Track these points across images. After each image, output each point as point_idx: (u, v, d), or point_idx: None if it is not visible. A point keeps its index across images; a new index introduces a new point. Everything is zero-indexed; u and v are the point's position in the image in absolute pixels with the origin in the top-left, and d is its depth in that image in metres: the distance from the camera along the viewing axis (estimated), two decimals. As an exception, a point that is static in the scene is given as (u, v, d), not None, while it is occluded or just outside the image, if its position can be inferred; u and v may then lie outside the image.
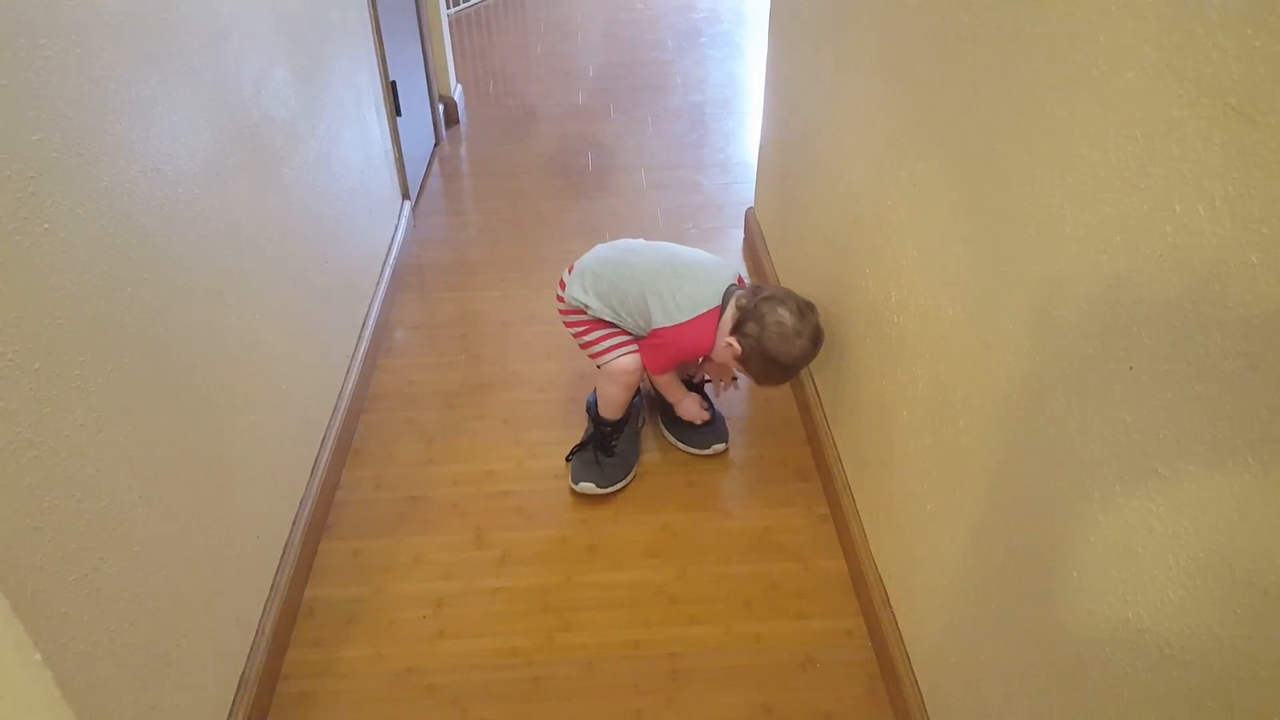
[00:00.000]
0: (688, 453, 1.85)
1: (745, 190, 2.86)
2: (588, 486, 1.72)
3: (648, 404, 1.94)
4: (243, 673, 1.31)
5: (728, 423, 1.88)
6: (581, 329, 1.73)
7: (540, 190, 2.96)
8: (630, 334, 1.71)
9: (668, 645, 1.47)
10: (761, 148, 2.41)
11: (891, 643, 1.38)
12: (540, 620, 1.51)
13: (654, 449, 1.87)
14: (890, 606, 1.42)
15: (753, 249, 2.49)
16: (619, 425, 1.78)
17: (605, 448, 1.77)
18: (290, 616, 1.48)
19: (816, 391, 1.87)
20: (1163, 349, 0.70)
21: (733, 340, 1.57)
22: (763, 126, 2.39)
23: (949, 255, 1.13)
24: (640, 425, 1.90)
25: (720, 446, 1.83)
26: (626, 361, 1.69)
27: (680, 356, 1.69)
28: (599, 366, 1.73)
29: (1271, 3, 0.57)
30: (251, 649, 1.35)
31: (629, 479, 1.78)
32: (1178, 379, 0.69)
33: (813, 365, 1.91)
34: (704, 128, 3.36)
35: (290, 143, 1.64)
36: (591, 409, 1.81)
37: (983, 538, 1.07)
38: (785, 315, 1.53)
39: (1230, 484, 0.64)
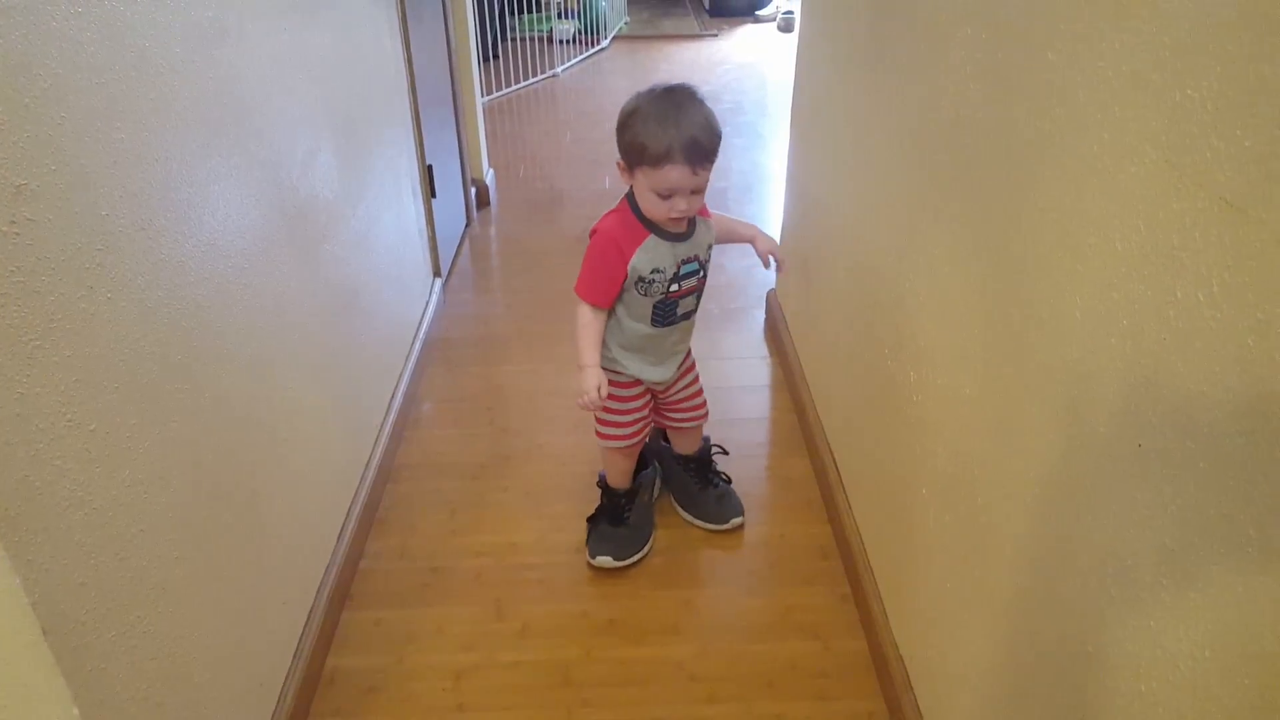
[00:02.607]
0: (704, 529, 1.85)
1: (767, 273, 2.91)
2: (605, 560, 1.73)
3: (663, 479, 1.96)
4: (264, 739, 1.32)
5: (746, 499, 1.90)
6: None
7: (566, 270, 3.01)
8: (628, 415, 1.70)
9: (687, 724, 1.46)
10: (783, 232, 2.48)
11: (913, 725, 1.37)
12: (560, 695, 1.51)
13: (675, 524, 1.88)
14: (911, 688, 1.41)
15: (774, 330, 2.54)
16: (630, 495, 1.80)
17: (617, 518, 1.78)
18: (312, 685, 1.49)
19: (837, 470, 1.89)
20: (1169, 428, 0.73)
21: (620, 164, 1.47)
22: (784, 212, 2.46)
23: (966, 336, 1.17)
24: (654, 497, 1.91)
25: (738, 520, 1.84)
26: (611, 442, 1.73)
27: (600, 248, 1.52)
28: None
29: (1260, 106, 0.62)
30: (274, 716, 1.36)
31: (645, 551, 1.79)
32: (1184, 456, 0.71)
33: (834, 443, 1.94)
34: (727, 213, 3.43)
35: (333, 222, 1.72)
36: (602, 480, 1.83)
37: (1001, 615, 1.08)
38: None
39: (1235, 557, 0.66)
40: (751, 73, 5.54)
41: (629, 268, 1.50)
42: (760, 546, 1.83)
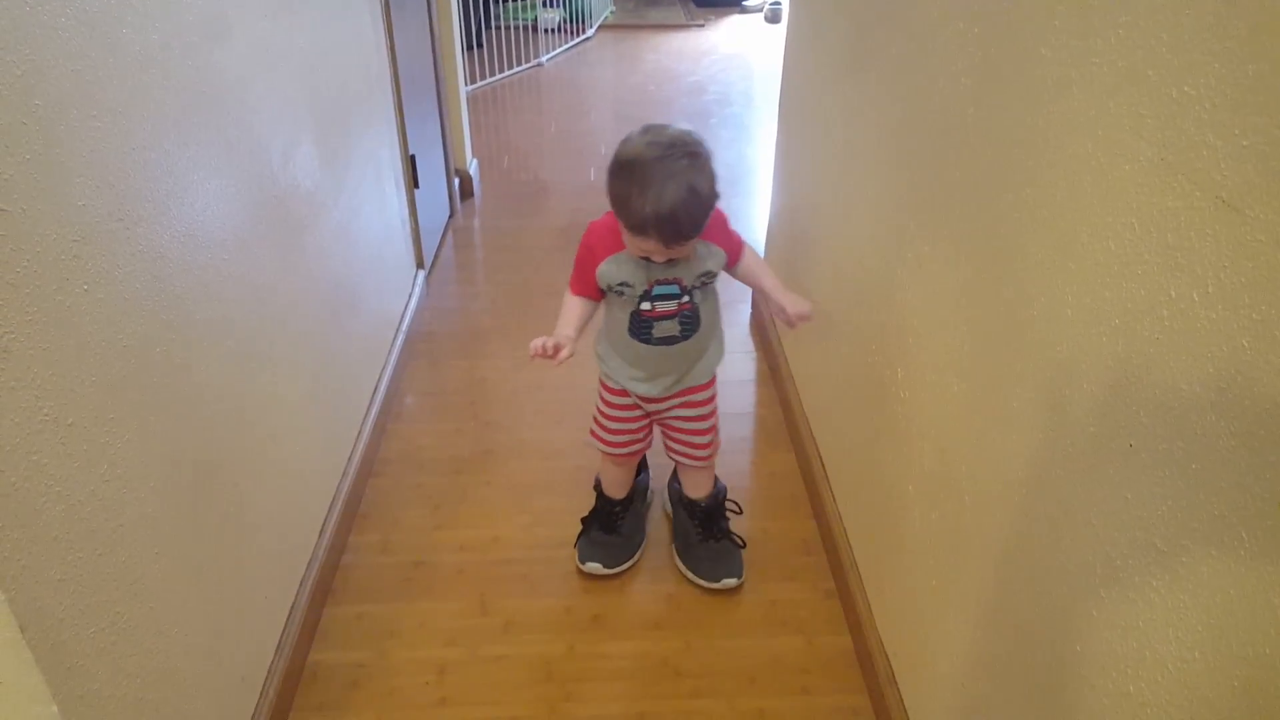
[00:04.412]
0: (696, 584, 1.71)
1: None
2: (595, 567, 1.71)
3: (673, 537, 1.83)
4: (246, 735, 1.31)
5: (730, 493, 1.88)
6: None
7: (550, 263, 3.02)
8: (622, 425, 1.65)
9: (671, 718, 1.45)
10: (769, 226, 2.48)
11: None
12: (543, 690, 1.50)
13: (659, 519, 1.88)
14: (896, 684, 1.42)
15: (760, 324, 2.54)
16: (624, 504, 1.76)
17: (609, 526, 1.75)
18: (294, 680, 1.48)
19: (822, 465, 1.89)
20: (1161, 428, 0.73)
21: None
22: (770, 206, 2.46)
23: (953, 334, 1.16)
24: (647, 505, 1.87)
25: (730, 582, 1.69)
26: (601, 445, 1.68)
27: (584, 246, 1.49)
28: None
29: (1258, 104, 0.61)
30: (255, 711, 1.34)
31: (635, 559, 1.76)
32: (1175, 457, 0.71)
33: (819, 438, 1.94)
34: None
35: (314, 213, 1.70)
36: (597, 484, 1.79)
37: (987, 613, 1.08)
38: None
39: (1226, 558, 0.66)
40: (738, 63, 5.53)
41: (597, 273, 1.46)
42: (744, 541, 1.82)
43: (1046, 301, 0.91)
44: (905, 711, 1.37)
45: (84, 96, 0.93)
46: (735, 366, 2.43)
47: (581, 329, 1.51)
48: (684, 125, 1.34)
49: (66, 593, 0.88)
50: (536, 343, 1.39)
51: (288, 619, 1.50)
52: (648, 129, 1.33)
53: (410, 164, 2.58)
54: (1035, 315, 0.94)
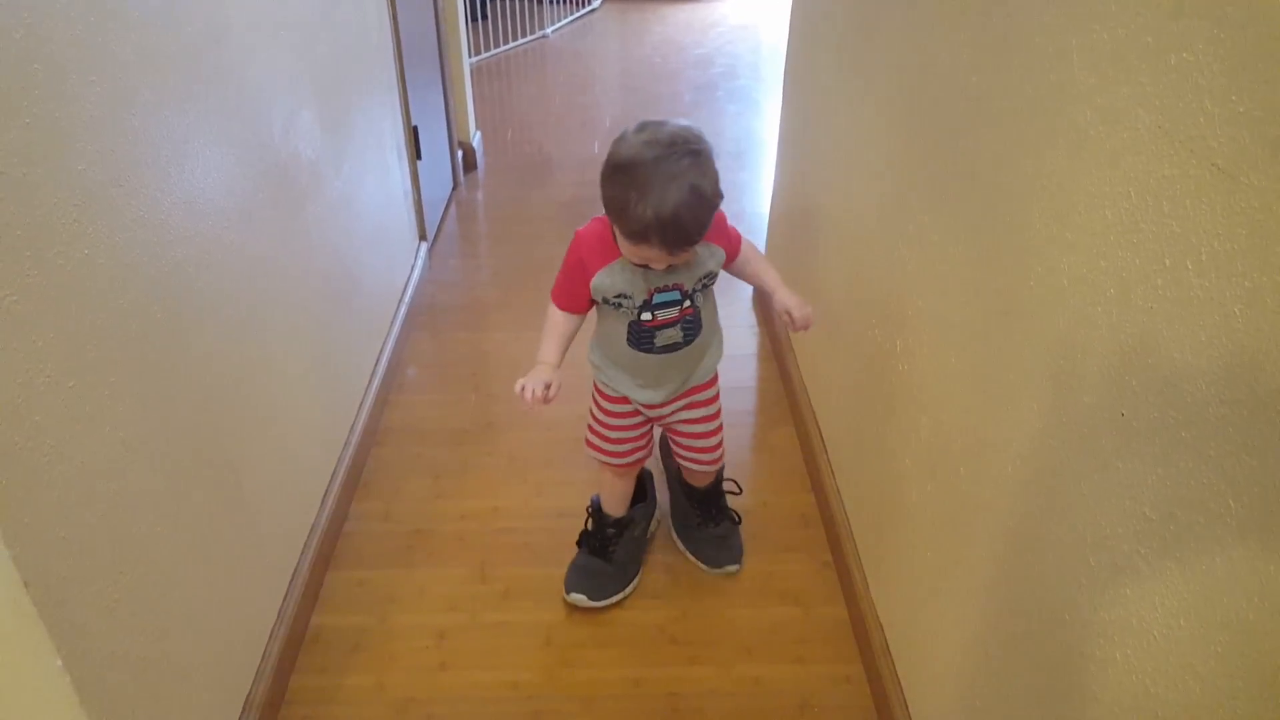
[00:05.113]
0: (698, 568, 1.69)
1: (757, 240, 2.90)
2: (579, 598, 1.59)
3: (670, 502, 1.80)
4: (249, 695, 1.33)
5: (731, 468, 1.88)
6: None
7: (554, 236, 3.01)
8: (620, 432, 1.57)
9: (667, 685, 1.47)
10: (774, 200, 2.47)
11: (890, 689, 1.39)
12: (541, 655, 1.52)
13: (659, 490, 1.89)
14: (890, 654, 1.43)
15: (763, 300, 2.54)
16: (619, 526, 1.65)
17: (600, 549, 1.64)
18: (296, 643, 1.50)
19: (822, 439, 1.89)
20: (1152, 396, 0.73)
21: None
22: (775, 179, 2.45)
23: (953, 304, 1.17)
24: (650, 534, 1.76)
25: (732, 568, 1.67)
26: (597, 455, 1.60)
27: (572, 258, 1.39)
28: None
29: (1253, 70, 0.61)
30: (258, 673, 1.36)
31: (626, 593, 1.63)
32: (1166, 426, 0.71)
33: (819, 413, 1.94)
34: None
35: (315, 182, 1.70)
36: (594, 503, 1.69)
37: (979, 585, 1.09)
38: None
39: (1213, 526, 0.66)
40: (747, 35, 5.49)
41: (591, 286, 1.36)
42: (743, 514, 1.83)
43: (1044, 271, 0.91)
44: (899, 680, 1.39)
45: (83, 62, 0.93)
46: (738, 341, 2.43)
47: (566, 350, 1.43)
48: (682, 120, 1.24)
49: (69, 552, 0.89)
50: (525, 390, 1.34)
51: (290, 584, 1.52)
52: (644, 126, 1.23)
53: (413, 135, 2.57)
54: (1032, 285, 0.94)
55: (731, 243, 1.44)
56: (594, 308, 1.43)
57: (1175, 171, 0.70)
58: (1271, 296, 0.60)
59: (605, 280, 1.35)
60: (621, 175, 1.20)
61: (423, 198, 2.71)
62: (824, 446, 1.88)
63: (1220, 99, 0.64)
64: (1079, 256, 0.84)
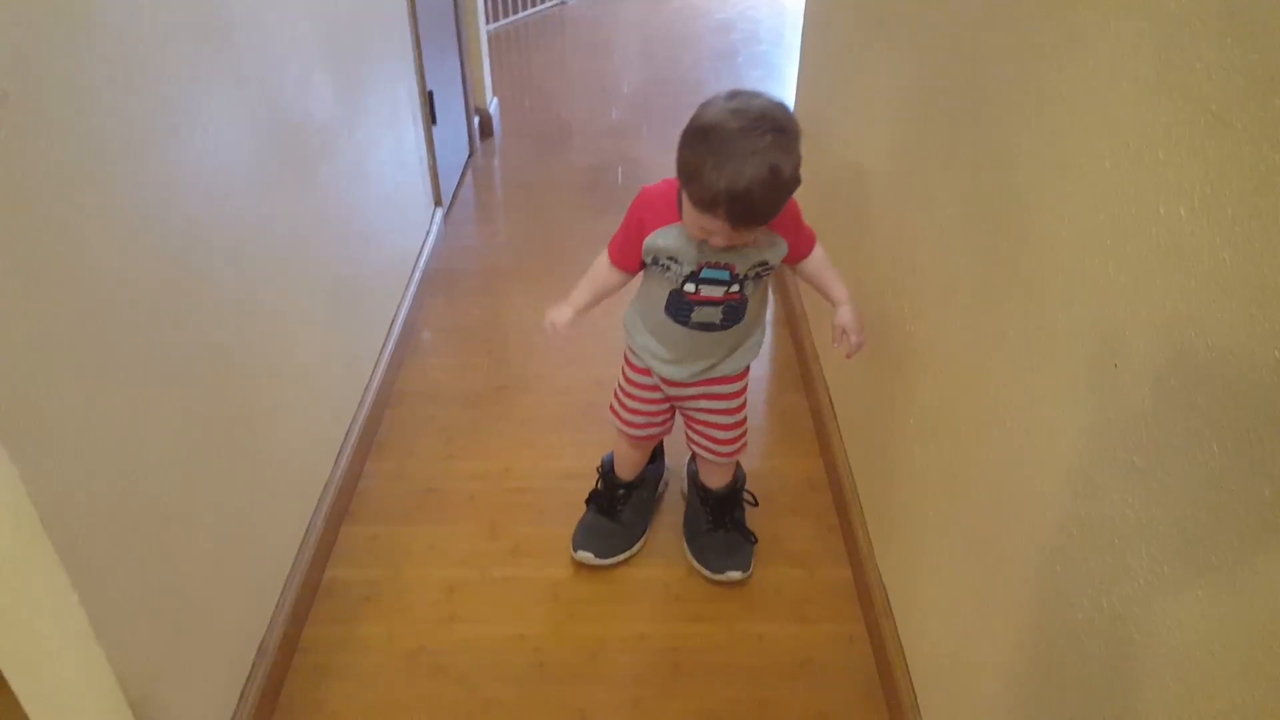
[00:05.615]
0: (702, 575, 1.62)
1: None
2: (585, 556, 1.61)
3: (684, 522, 1.74)
4: (262, 641, 1.36)
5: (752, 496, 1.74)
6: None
7: (570, 203, 3.02)
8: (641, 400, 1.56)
9: (670, 640, 1.50)
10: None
11: (890, 648, 1.40)
12: (549, 610, 1.55)
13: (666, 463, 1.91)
14: (892, 614, 1.45)
15: (779, 271, 2.53)
16: (630, 488, 1.67)
17: (609, 509, 1.66)
18: (310, 594, 1.54)
19: (832, 405, 1.90)
20: (1144, 346, 0.74)
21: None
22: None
23: (958, 264, 1.17)
24: (657, 496, 1.77)
25: (735, 575, 1.59)
26: (617, 421, 1.60)
27: (633, 214, 1.36)
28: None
29: (1248, 14, 0.61)
30: (271, 621, 1.40)
31: (633, 551, 1.66)
32: (1156, 375, 0.72)
33: (828, 377, 1.95)
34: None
35: (328, 143, 1.71)
36: (605, 463, 1.70)
37: (976, 544, 1.10)
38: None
39: (1198, 472, 0.67)
40: (769, 0, 5.43)
41: (644, 244, 1.34)
42: (751, 478, 1.84)
43: (1044, 227, 0.91)
44: (899, 639, 1.40)
45: (94, 17, 0.95)
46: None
47: (595, 302, 1.44)
48: (776, 97, 1.19)
49: (84, 494, 0.92)
50: (547, 321, 1.44)
51: (304, 537, 1.56)
52: (735, 94, 1.18)
53: (428, 100, 2.58)
54: (1034, 242, 0.94)
55: (802, 241, 1.39)
56: (642, 271, 1.41)
57: (1171, 119, 0.70)
58: (1260, 239, 0.61)
59: (660, 241, 1.32)
60: (700, 140, 1.16)
61: (438, 163, 2.72)
62: (834, 413, 1.89)
63: (1217, 44, 0.64)
64: (1079, 209, 0.84)
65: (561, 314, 1.43)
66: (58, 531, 0.87)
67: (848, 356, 1.41)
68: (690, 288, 1.34)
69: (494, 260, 2.72)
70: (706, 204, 1.17)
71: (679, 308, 1.38)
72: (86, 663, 0.94)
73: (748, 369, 1.52)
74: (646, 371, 1.51)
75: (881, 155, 1.54)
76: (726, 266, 1.32)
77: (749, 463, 1.81)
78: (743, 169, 1.12)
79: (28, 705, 0.96)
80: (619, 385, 1.58)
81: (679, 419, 1.61)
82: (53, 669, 0.95)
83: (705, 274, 1.33)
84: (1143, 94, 0.74)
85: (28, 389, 0.84)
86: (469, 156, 3.33)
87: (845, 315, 1.40)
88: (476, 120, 3.39)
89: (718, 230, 1.20)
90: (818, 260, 1.42)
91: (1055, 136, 0.89)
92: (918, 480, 1.34)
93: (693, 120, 1.19)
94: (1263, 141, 0.60)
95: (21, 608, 0.89)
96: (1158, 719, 0.73)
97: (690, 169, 1.17)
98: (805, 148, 1.18)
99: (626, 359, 1.55)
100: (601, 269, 1.41)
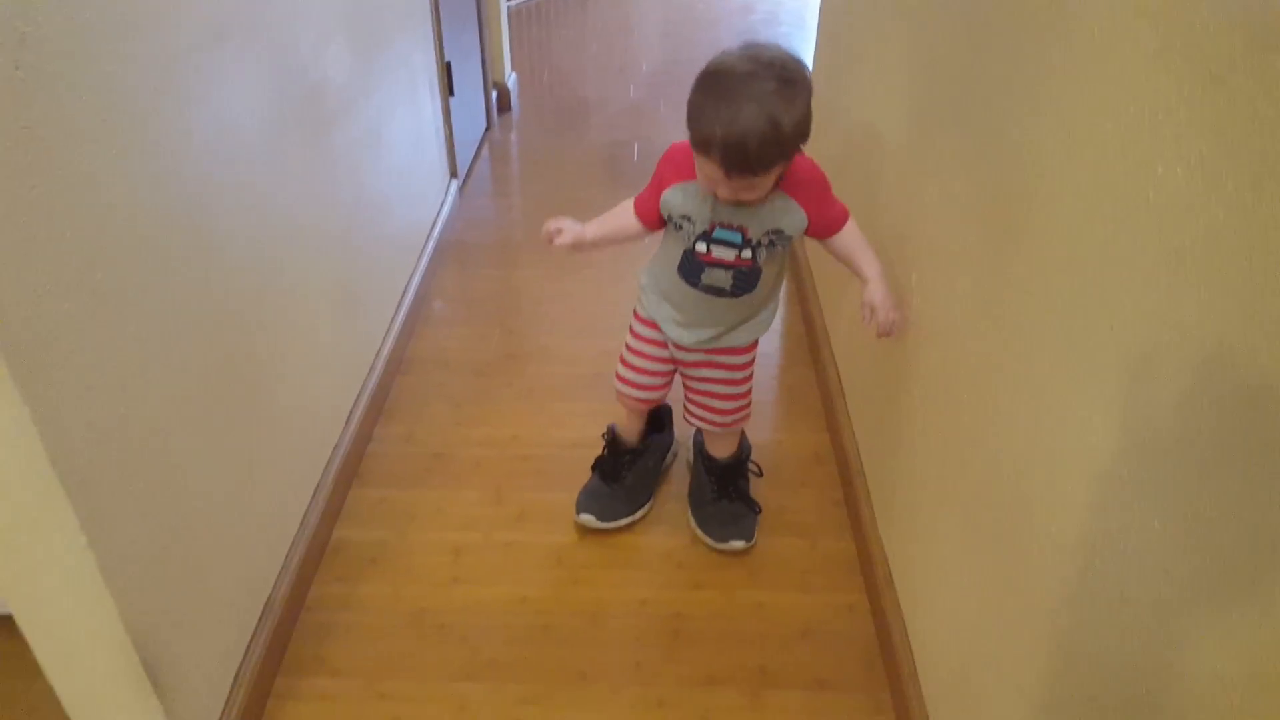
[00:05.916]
0: (705, 544, 1.63)
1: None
2: (587, 519, 1.63)
3: (689, 495, 1.73)
4: (269, 597, 1.39)
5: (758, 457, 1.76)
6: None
7: (585, 179, 3.03)
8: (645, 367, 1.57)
9: (672, 606, 1.51)
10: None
11: (891, 617, 1.41)
12: (552, 574, 1.57)
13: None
14: (894, 585, 1.45)
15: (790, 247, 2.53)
16: (633, 454, 1.69)
17: (613, 474, 1.67)
18: (317, 553, 1.56)
19: (839, 380, 1.91)
20: (1139, 308, 0.74)
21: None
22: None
23: (965, 234, 1.17)
24: (667, 464, 1.79)
25: (738, 544, 1.60)
26: (615, 381, 1.63)
27: (660, 165, 1.39)
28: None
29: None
30: (279, 578, 1.42)
31: (636, 517, 1.67)
32: (1151, 333, 0.72)
33: (836, 352, 1.95)
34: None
35: (344, 108, 1.72)
36: (610, 431, 1.71)
37: (976, 520, 1.11)
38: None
39: (1191, 441, 0.67)
40: (789, -16, 5.39)
41: (661, 199, 1.36)
42: (758, 450, 1.85)
43: (1048, 193, 0.91)
44: (900, 609, 1.41)
45: (110, -36, 0.96)
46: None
47: (609, 242, 1.45)
48: (794, 52, 1.19)
49: (93, 436, 0.94)
50: (550, 224, 1.43)
51: (313, 497, 1.58)
52: (750, 44, 1.18)
53: (446, 71, 2.59)
54: (1037, 207, 0.94)
55: (828, 216, 1.37)
56: (663, 229, 1.43)
57: (1171, 79, 0.69)
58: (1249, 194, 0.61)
59: (675, 197, 1.34)
60: (707, 82, 1.17)
61: (454, 135, 2.73)
62: (841, 388, 1.89)
63: (1216, 5, 0.64)
64: (1081, 175, 0.84)
65: (569, 232, 1.43)
66: (68, 474, 0.89)
67: (879, 336, 1.37)
68: (702, 247, 1.35)
69: (507, 233, 2.73)
70: (703, 145, 1.18)
71: (690, 268, 1.39)
72: (95, 605, 0.97)
73: (756, 344, 1.53)
74: (651, 324, 1.52)
75: (893, 130, 1.54)
76: (739, 229, 1.32)
77: (756, 435, 1.82)
78: (739, 113, 1.12)
79: (36, 648, 0.99)
80: (624, 348, 1.59)
81: (677, 385, 1.62)
82: (61, 611, 0.98)
83: (717, 234, 1.33)
84: (1144, 57, 0.73)
85: (40, 330, 0.85)
86: (486, 130, 3.33)
87: (872, 291, 1.36)
88: (494, 94, 3.40)
89: (715, 177, 1.21)
90: (849, 237, 1.39)
91: (1059, 107, 0.89)
92: (920, 452, 1.34)
93: (706, 66, 1.20)
94: (1259, 97, 0.60)
95: (32, 547, 0.92)
96: (1172, 692, 0.73)
97: (694, 111, 1.18)
98: (818, 122, 1.18)
99: (635, 315, 1.56)
100: (625, 214, 1.44)
